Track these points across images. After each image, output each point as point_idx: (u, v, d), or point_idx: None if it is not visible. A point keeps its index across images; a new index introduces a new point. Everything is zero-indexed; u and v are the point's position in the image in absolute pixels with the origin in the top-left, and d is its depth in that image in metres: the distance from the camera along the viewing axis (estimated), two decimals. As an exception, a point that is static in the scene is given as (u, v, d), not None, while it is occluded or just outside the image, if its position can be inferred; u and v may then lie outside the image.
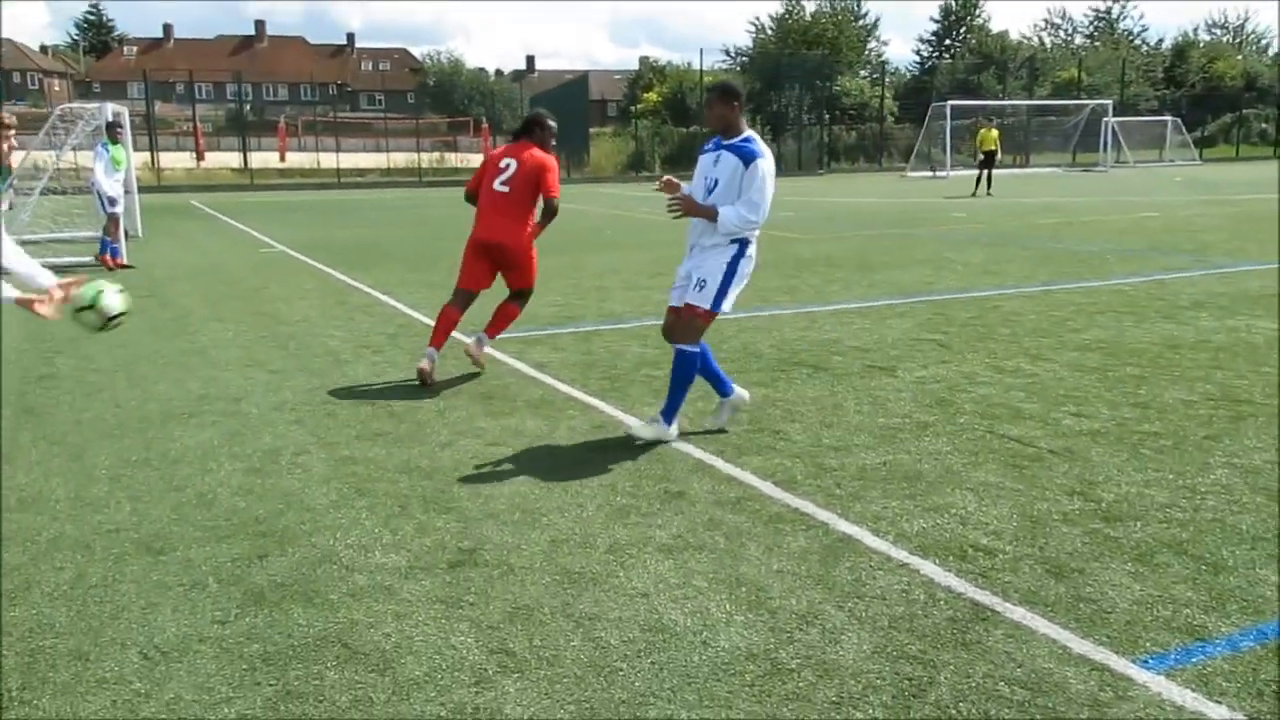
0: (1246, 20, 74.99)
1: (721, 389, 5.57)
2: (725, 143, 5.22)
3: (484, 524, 4.25)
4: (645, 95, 54.85)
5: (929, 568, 3.74)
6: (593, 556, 3.90)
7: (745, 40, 64.23)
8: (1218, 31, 72.03)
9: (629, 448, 5.25)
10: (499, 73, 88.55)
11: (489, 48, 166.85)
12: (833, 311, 9.26)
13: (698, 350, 5.28)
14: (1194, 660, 3.07)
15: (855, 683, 2.97)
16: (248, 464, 5.09)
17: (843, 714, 2.82)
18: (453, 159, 47.46)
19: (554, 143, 6.95)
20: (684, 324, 5.28)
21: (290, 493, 4.66)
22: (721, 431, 5.50)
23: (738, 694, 2.92)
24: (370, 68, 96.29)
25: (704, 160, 5.34)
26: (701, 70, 49.06)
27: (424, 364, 6.69)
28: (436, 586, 3.65)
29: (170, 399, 6.42)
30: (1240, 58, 65.08)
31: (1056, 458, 4.98)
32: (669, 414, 5.33)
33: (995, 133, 28.99)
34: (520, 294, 7.27)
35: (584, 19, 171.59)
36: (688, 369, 5.27)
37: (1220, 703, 2.84)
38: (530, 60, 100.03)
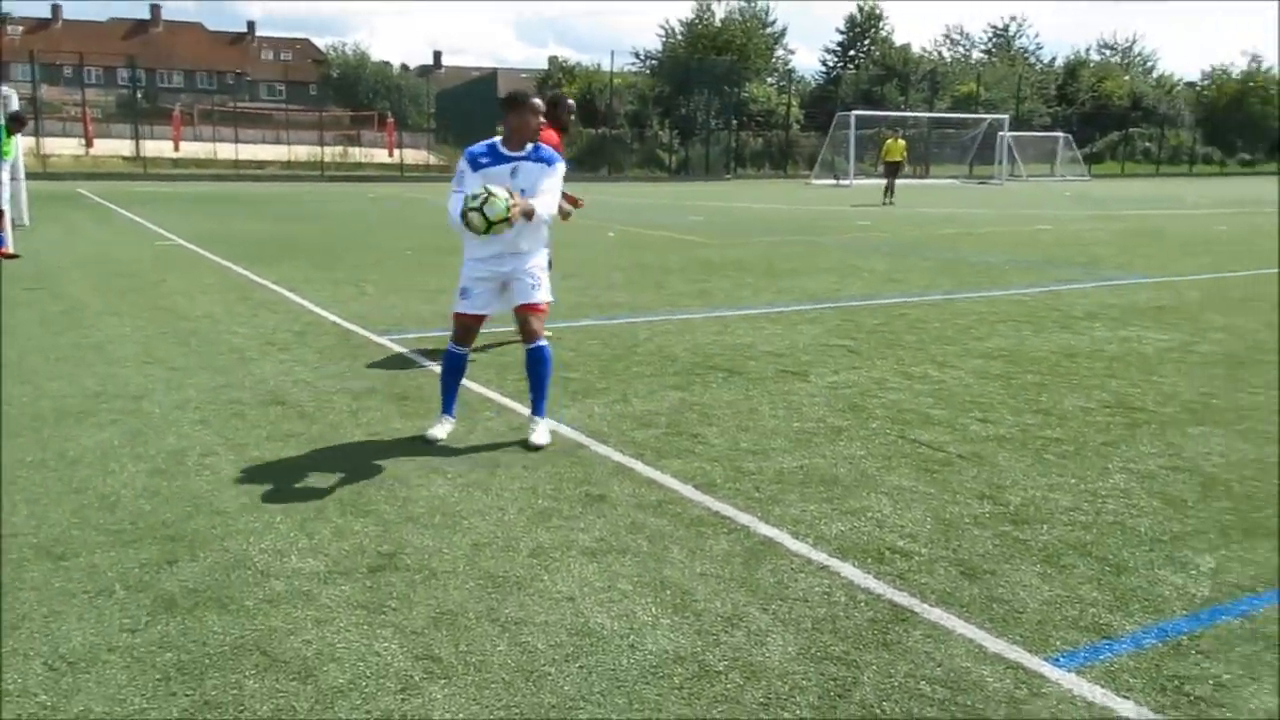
0: (1134, 42, 78.41)
1: (448, 405, 5.57)
2: (517, 154, 5.17)
3: (403, 527, 4.19)
4: (554, 95, 54.68)
5: (849, 570, 3.81)
6: (516, 560, 3.87)
7: (655, 44, 64.57)
8: (1107, 52, 75.00)
9: (547, 450, 5.23)
10: (405, 67, 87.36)
11: (394, 42, 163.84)
12: (744, 316, 9.37)
13: (548, 341, 5.52)
14: (1102, 658, 3.19)
15: (782, 684, 3.01)
16: (152, 465, 4.92)
17: (771, 715, 2.85)
18: (356, 153, 46.57)
19: (567, 119, 7.67)
20: (537, 322, 5.39)
21: (199, 495, 4.52)
22: (639, 434, 5.52)
23: (667, 697, 2.94)
24: (271, 57, 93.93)
25: (497, 173, 5.15)
26: (612, 72, 49.17)
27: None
28: (357, 591, 3.58)
29: (65, 396, 6.16)
30: (1127, 78, 67.85)
31: (965, 462, 5.13)
32: (541, 408, 5.47)
33: (901, 143, 29.69)
34: None
35: (491, 17, 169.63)
36: (549, 362, 5.45)
37: (1128, 698, 2.96)
38: (437, 56, 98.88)
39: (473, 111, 44.79)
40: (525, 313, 5.37)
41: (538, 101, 5.25)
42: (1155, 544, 4.11)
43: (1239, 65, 68.82)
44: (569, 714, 2.85)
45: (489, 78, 51.22)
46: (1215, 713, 2.90)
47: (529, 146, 5.24)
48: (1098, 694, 2.97)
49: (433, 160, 44.81)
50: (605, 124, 46.33)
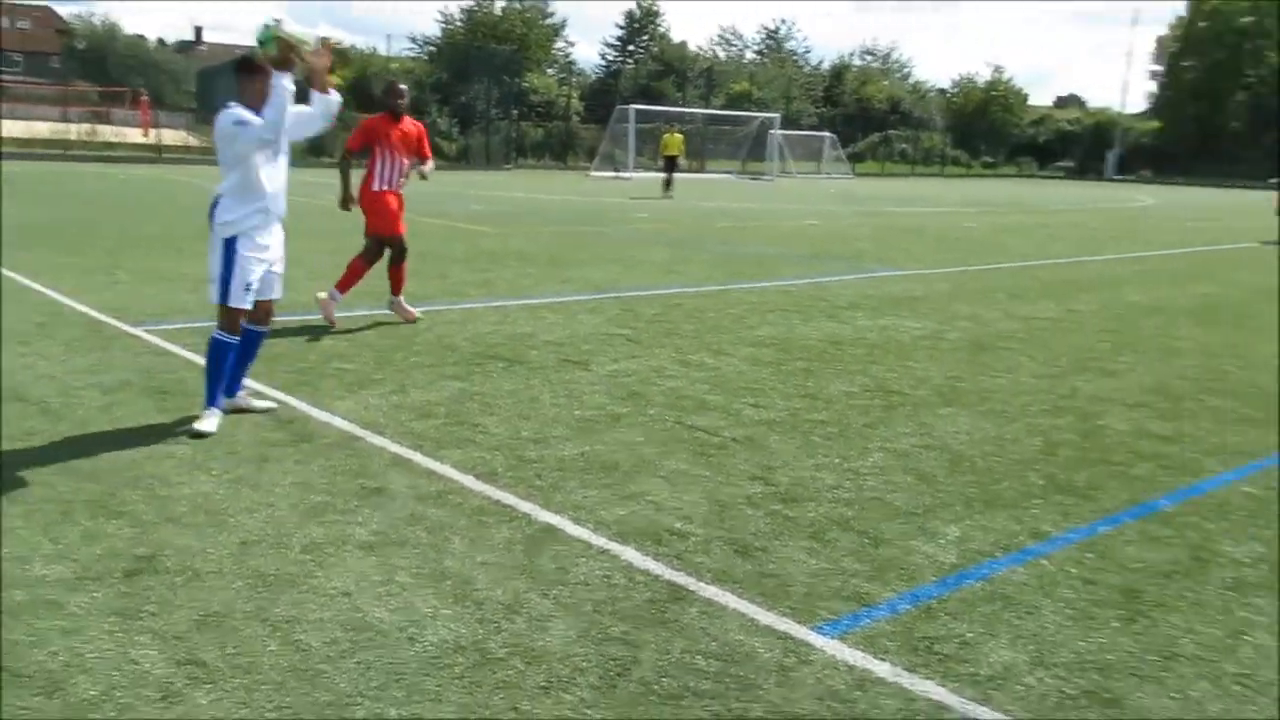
0: (893, 50, 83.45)
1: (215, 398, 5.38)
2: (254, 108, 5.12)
3: (163, 528, 3.94)
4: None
5: (628, 553, 3.89)
6: (288, 557, 3.73)
7: (434, 29, 63.21)
8: (869, 58, 79.50)
9: (321, 444, 5.06)
10: (162, 42, 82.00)
11: (149, 14, 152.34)
12: (526, 306, 9.37)
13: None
14: (861, 624, 3.40)
15: (563, 667, 3.04)
16: None
17: (552, 698, 2.88)
18: (107, 132, 43.24)
19: (395, 103, 8.39)
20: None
21: (-77, 501, 4.10)
22: (419, 425, 5.42)
23: (447, 686, 2.91)
24: (6, 24, 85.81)
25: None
26: (388, 57, 47.92)
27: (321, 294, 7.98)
28: (111, 598, 3.35)
29: None
30: (886, 83, 72.14)
31: (739, 445, 5.32)
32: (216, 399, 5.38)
33: (679, 137, 30.43)
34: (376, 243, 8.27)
35: None
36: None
37: (884, 660, 3.16)
38: (199, 32, 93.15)
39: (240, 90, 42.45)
40: (270, 305, 5.60)
41: (270, 67, 5.17)
42: (909, 517, 4.41)
43: (984, 75, 74.42)
44: (345, 711, 2.77)
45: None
46: (960, 668, 3.14)
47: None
48: (858, 658, 3.17)
49: (193, 141, 42.21)
50: (383, 108, 45.10)
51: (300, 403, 5.76)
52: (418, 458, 4.91)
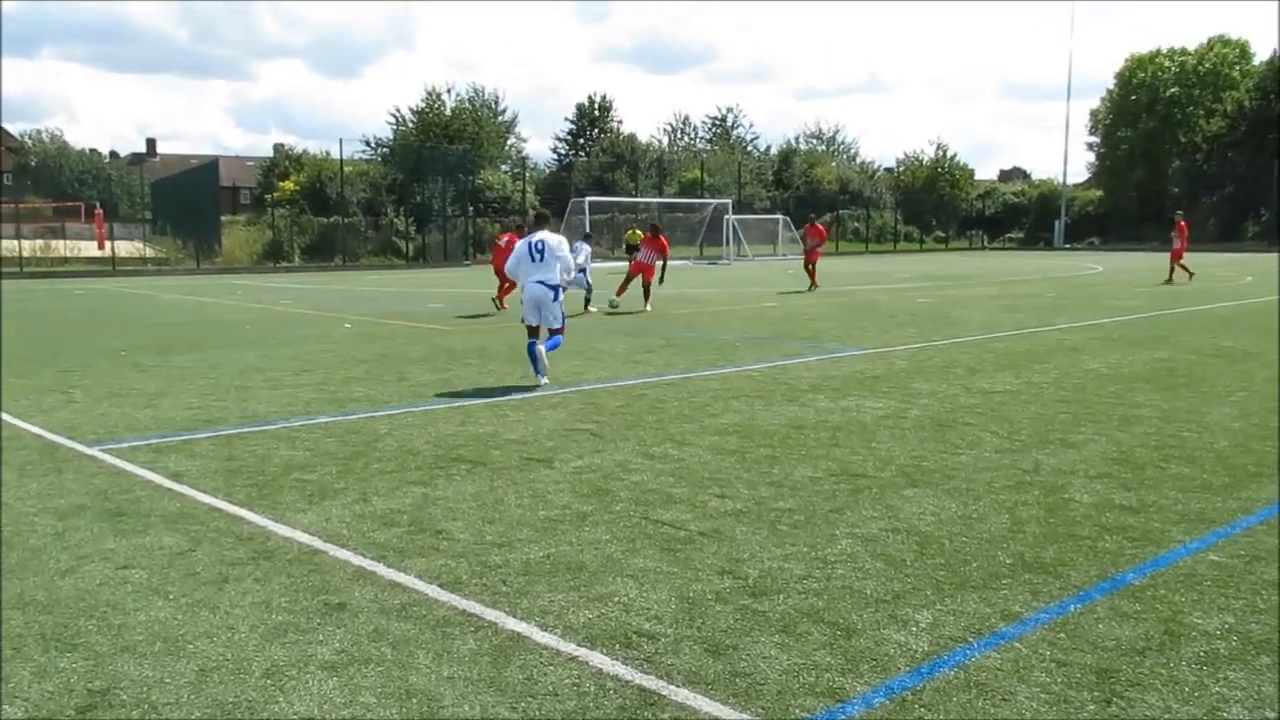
0: (838, 132, 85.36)
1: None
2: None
3: (118, 659, 3.83)
4: (281, 184, 53.10)
5: (597, 658, 3.82)
6: (248, 683, 3.62)
7: (385, 131, 64.05)
8: (814, 141, 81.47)
9: (282, 560, 4.97)
10: (114, 154, 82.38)
11: (99, 126, 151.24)
12: (488, 404, 9.33)
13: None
14: (837, 722, 3.35)
15: (534, 786, 2.95)
16: None
17: (524, 821, 2.79)
18: (60, 247, 43.10)
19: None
20: None
21: None
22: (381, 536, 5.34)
23: (415, 816, 2.81)
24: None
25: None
26: (341, 159, 48.39)
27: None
28: (63, 738, 3.23)
29: None
30: (834, 164, 73.83)
31: (706, 539, 5.29)
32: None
33: (639, 231, 31.67)
34: None
35: (205, 101, 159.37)
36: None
37: (862, 759, 3.11)
38: (151, 143, 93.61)
39: (194, 201, 42.65)
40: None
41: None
42: (880, 604, 4.38)
43: (928, 153, 76.36)
44: None
45: (210, 165, 48.95)
46: (939, 763, 3.09)
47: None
48: (835, 758, 3.11)
49: (149, 253, 42.15)
50: (337, 211, 45.40)
51: (261, 517, 5.67)
52: (381, 569, 4.83)
